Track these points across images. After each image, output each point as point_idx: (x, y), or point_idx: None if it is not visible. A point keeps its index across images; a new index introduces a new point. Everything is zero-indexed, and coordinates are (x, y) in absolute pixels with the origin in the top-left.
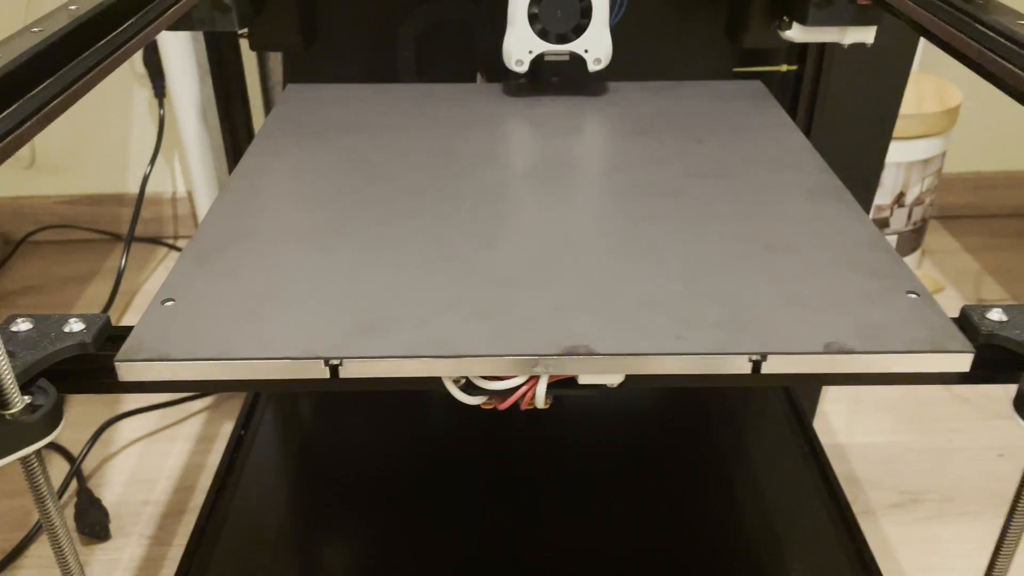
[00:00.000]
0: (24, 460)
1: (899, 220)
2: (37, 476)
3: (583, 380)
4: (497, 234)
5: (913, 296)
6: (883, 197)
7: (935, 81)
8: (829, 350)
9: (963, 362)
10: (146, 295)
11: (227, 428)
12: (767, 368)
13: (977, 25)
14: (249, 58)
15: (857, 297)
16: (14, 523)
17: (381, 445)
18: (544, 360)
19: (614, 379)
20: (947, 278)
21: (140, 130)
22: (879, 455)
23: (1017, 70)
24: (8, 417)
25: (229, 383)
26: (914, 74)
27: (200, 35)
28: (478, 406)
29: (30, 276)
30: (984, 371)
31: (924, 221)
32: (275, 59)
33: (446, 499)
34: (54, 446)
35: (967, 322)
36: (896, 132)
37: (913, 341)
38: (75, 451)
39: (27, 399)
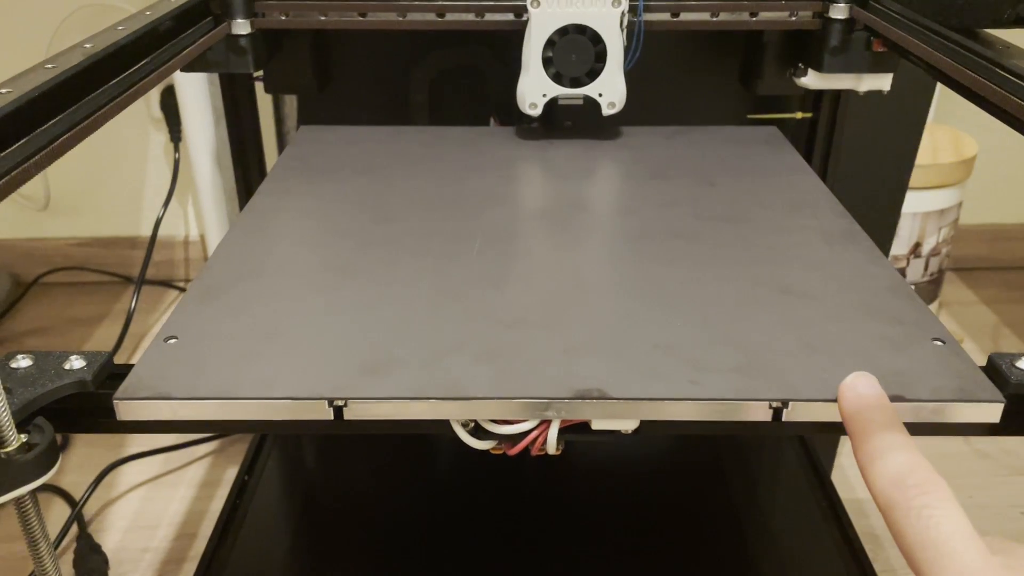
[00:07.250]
0: (18, 501)
1: (916, 271)
2: (31, 518)
3: (596, 425)
4: (507, 275)
5: (939, 343)
6: (900, 247)
7: (950, 132)
8: None
9: (993, 412)
10: None
11: (232, 473)
12: (788, 416)
13: (997, 69)
14: (264, 101)
15: (880, 343)
16: (12, 569)
17: (388, 492)
18: (556, 404)
19: (628, 424)
20: (964, 330)
21: (155, 174)
22: None
23: None
24: (3, 456)
25: (230, 423)
26: (929, 125)
27: (216, 79)
28: (487, 451)
29: (40, 317)
30: (1014, 423)
31: (941, 272)
32: (290, 103)
33: (454, 549)
34: (55, 489)
35: (995, 371)
36: (912, 182)
37: (940, 390)
38: (77, 495)
39: (23, 437)
